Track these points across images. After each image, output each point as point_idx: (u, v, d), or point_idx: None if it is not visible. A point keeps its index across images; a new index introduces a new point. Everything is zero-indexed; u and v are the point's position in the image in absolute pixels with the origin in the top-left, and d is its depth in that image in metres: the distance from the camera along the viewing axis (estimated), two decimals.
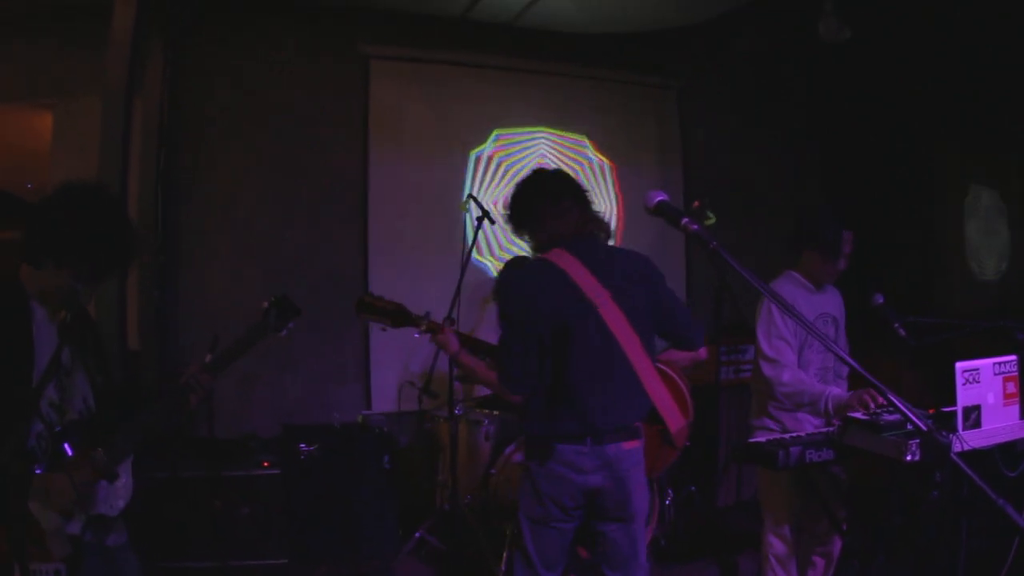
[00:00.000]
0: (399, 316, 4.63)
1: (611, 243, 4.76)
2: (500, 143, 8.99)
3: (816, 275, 5.21)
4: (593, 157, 9.41)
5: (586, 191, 4.40)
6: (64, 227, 3.15)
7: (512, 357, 4.19)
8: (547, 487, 4.11)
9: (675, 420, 4.36)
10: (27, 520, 2.97)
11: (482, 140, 8.91)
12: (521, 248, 8.80)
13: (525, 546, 4.22)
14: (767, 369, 4.97)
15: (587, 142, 9.42)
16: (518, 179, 4.43)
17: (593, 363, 4.10)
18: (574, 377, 4.08)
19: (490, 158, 8.92)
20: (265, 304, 3.69)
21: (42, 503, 3.02)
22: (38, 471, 3.04)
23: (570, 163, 9.25)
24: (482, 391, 7.67)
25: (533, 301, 4.15)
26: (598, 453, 4.05)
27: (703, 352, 4.48)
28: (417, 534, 6.83)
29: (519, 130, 9.10)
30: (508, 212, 4.45)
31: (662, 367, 4.48)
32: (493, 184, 8.89)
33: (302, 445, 6.78)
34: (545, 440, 4.13)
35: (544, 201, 4.32)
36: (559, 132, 9.30)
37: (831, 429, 4.53)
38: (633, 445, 4.17)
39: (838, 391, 4.77)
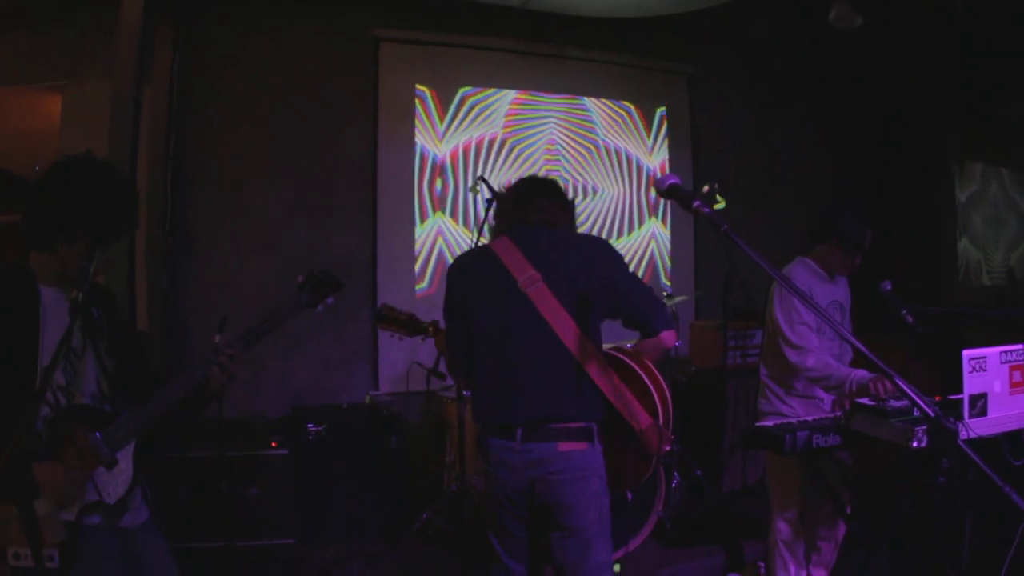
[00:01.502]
0: (411, 325, 4.54)
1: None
2: (510, 128, 9.00)
3: (831, 266, 5.22)
4: (600, 142, 9.41)
5: (541, 185, 4.32)
6: (64, 198, 3.15)
7: (449, 340, 4.20)
8: (489, 483, 4.05)
9: (639, 418, 3.91)
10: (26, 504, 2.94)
11: (492, 124, 8.91)
12: None
13: (491, 534, 4.16)
14: (792, 356, 4.97)
15: (596, 126, 9.42)
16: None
17: (521, 350, 3.93)
18: (500, 364, 3.96)
19: (503, 142, 8.93)
20: (300, 278, 3.68)
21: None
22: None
23: (579, 147, 9.26)
24: None
25: (459, 283, 4.15)
26: (527, 451, 3.86)
27: (667, 338, 4.03)
28: (425, 515, 6.85)
29: (529, 115, 9.11)
30: None
31: (622, 358, 4.11)
32: (504, 167, 8.91)
33: (310, 425, 6.80)
34: (482, 432, 4.06)
35: (500, 203, 4.41)
36: (569, 116, 9.31)
37: (838, 414, 4.54)
38: (573, 447, 3.85)
39: (863, 373, 4.78)
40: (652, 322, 4.00)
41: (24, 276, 3.18)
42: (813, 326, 5.03)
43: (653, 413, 3.94)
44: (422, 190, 8.64)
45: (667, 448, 3.98)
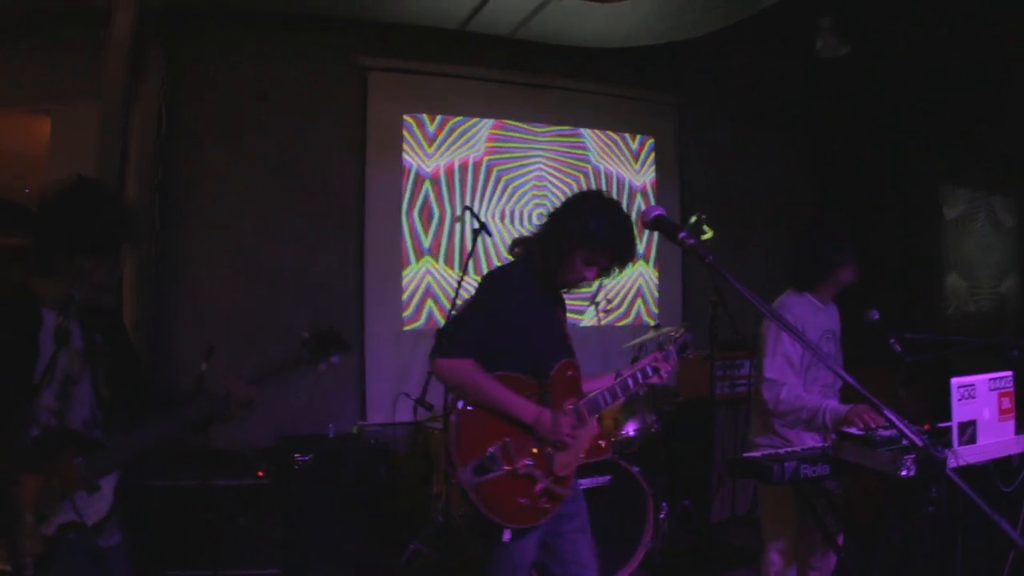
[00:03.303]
0: None
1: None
2: (498, 156, 9.00)
3: (826, 294, 5.21)
4: (589, 170, 9.42)
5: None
6: (67, 217, 3.20)
7: None
8: None
9: None
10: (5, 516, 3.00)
11: (480, 153, 8.92)
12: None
13: None
14: (765, 391, 4.94)
15: (584, 155, 9.43)
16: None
17: None
18: None
19: (488, 171, 8.93)
20: (305, 335, 3.73)
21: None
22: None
23: (567, 176, 9.27)
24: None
25: None
26: None
27: (435, 365, 3.92)
28: (412, 545, 6.81)
29: (517, 144, 9.12)
30: None
31: None
32: (491, 197, 8.90)
33: (297, 455, 6.77)
34: None
35: None
36: (556, 146, 9.32)
37: (827, 444, 4.52)
38: None
39: (835, 404, 4.76)
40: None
41: (26, 298, 3.23)
42: (796, 360, 5.01)
43: None
44: (412, 218, 8.63)
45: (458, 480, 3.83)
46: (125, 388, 3.49)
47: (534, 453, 3.90)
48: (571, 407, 4.02)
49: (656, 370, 4.22)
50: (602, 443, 4.13)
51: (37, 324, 3.18)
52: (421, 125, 8.72)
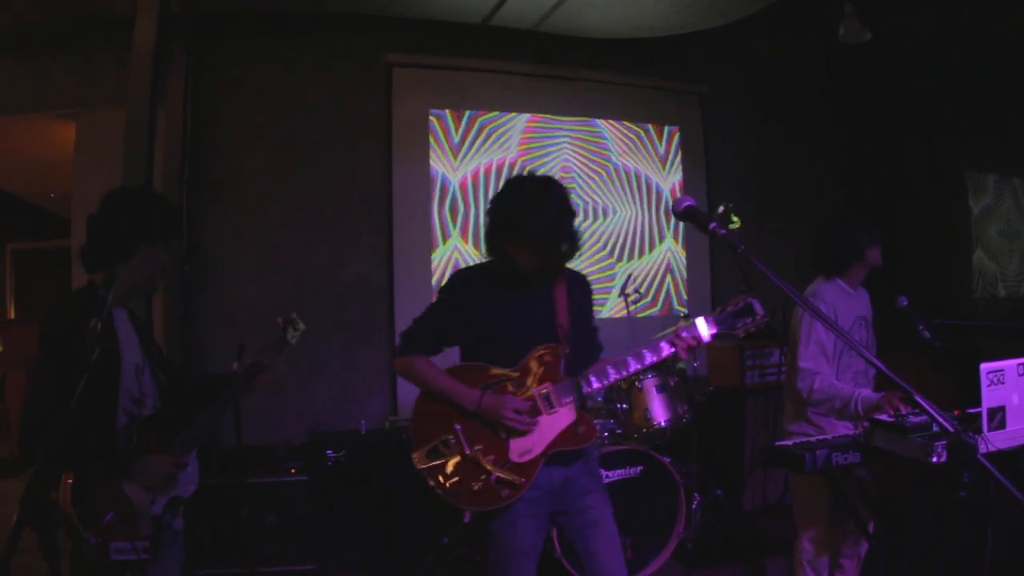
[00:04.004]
0: None
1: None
2: (523, 148, 9.01)
3: (855, 280, 5.22)
4: (616, 162, 9.42)
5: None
6: (136, 213, 3.50)
7: None
8: None
9: None
10: (120, 501, 3.30)
11: (506, 147, 8.93)
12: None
13: None
14: (799, 381, 4.95)
15: (609, 147, 9.43)
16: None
17: None
18: None
19: (512, 164, 8.95)
20: (280, 320, 4.25)
21: (140, 483, 3.36)
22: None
23: (592, 168, 9.27)
24: None
25: None
26: None
27: (393, 363, 4.44)
28: (445, 540, 6.83)
29: (542, 136, 9.13)
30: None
31: None
32: None
33: (329, 452, 6.81)
34: None
35: None
36: (581, 138, 9.32)
37: (858, 432, 4.52)
38: None
39: (867, 392, 4.77)
40: None
41: (98, 299, 3.34)
42: (829, 348, 5.01)
43: None
44: (443, 214, 8.66)
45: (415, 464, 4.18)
46: (170, 375, 3.80)
47: (487, 439, 3.99)
48: (542, 392, 3.98)
49: (673, 344, 4.02)
50: (582, 429, 4.00)
51: (113, 323, 3.45)
52: (446, 129, 8.76)
